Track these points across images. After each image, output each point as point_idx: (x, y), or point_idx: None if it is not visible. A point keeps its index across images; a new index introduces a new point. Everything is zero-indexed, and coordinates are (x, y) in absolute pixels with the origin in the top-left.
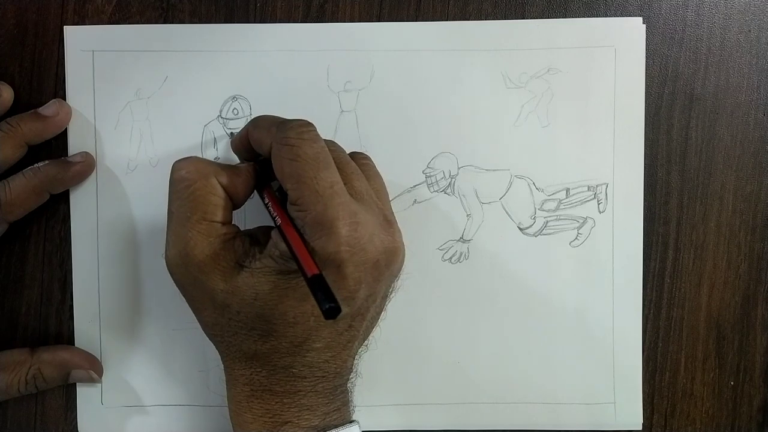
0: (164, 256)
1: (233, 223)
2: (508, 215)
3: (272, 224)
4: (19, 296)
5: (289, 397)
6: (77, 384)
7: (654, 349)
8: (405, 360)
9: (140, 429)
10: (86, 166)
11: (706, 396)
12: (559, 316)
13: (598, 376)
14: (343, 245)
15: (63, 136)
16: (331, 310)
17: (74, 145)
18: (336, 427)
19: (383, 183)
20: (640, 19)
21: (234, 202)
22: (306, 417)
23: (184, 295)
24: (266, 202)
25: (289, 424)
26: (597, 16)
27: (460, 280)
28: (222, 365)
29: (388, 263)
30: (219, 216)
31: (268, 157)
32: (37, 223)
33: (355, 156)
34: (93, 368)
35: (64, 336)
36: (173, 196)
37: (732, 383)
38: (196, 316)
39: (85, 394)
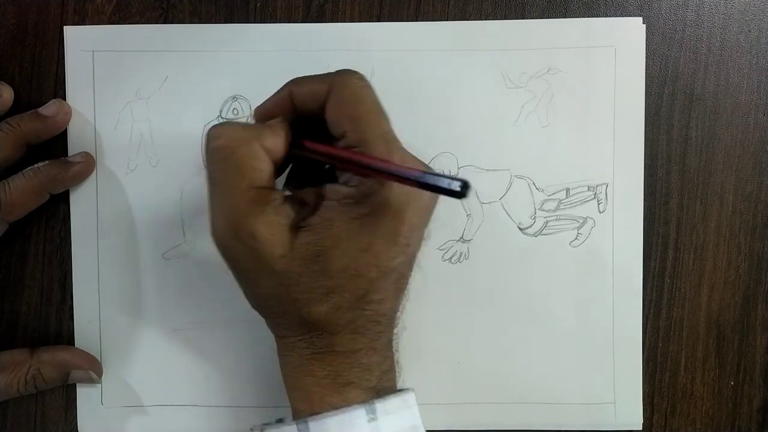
0: (210, 231)
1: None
2: (508, 215)
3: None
4: (19, 296)
5: (351, 356)
6: (77, 384)
7: (654, 349)
8: (405, 360)
9: (140, 429)
10: (86, 166)
11: (706, 396)
12: (559, 316)
13: (598, 376)
14: (406, 188)
15: (63, 136)
16: (463, 187)
17: (74, 145)
18: (390, 389)
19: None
20: (640, 19)
21: (275, 165)
22: (366, 378)
23: (234, 270)
24: (311, 149)
25: (352, 385)
26: (597, 16)
27: (460, 280)
28: (272, 336)
29: (431, 211)
30: (265, 181)
31: (317, 109)
32: (37, 223)
33: None
34: (93, 368)
35: (64, 336)
36: (215, 166)
37: (732, 383)
38: (248, 289)
39: (85, 394)
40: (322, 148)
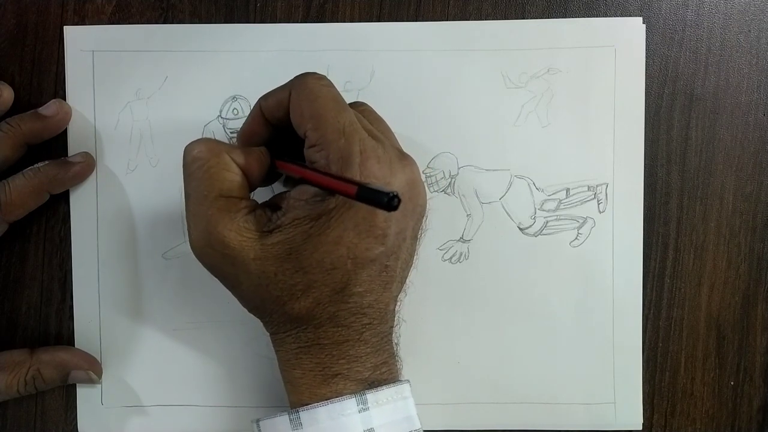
0: (188, 240)
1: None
2: (508, 215)
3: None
4: (19, 296)
5: (337, 348)
6: (77, 384)
7: (654, 349)
8: (405, 360)
9: (140, 429)
10: (86, 166)
11: (706, 396)
12: (559, 316)
13: (598, 376)
14: (370, 179)
15: (63, 136)
16: (390, 200)
17: (74, 145)
18: (386, 381)
19: (387, 124)
20: (640, 19)
21: (249, 181)
22: (356, 369)
23: (215, 276)
24: (282, 171)
25: (340, 376)
26: (597, 16)
27: (460, 280)
28: (266, 332)
29: (411, 196)
30: (236, 191)
31: (285, 117)
32: (37, 223)
33: (354, 105)
34: (92, 369)
35: (64, 336)
36: (188, 178)
37: (732, 383)
38: (233, 293)
39: (85, 394)
40: (289, 166)
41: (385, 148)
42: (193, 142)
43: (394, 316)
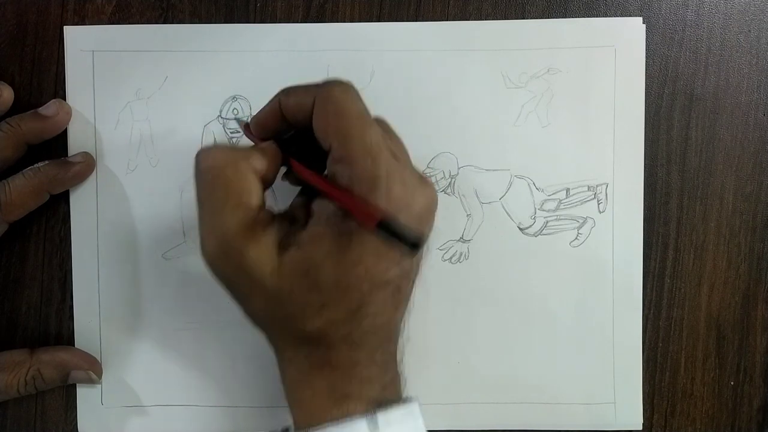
0: (200, 251)
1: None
2: (508, 215)
3: (301, 199)
4: (19, 296)
5: (349, 369)
6: (77, 384)
7: (654, 349)
8: (405, 360)
9: (140, 429)
10: (86, 166)
11: (706, 396)
12: (559, 316)
13: (598, 376)
14: (393, 201)
15: (63, 136)
16: (416, 241)
17: (74, 145)
18: (395, 401)
19: (403, 143)
20: (640, 19)
21: (264, 184)
22: (366, 390)
23: (227, 288)
24: (300, 177)
25: (352, 397)
26: (597, 16)
27: (460, 280)
28: (271, 349)
29: (427, 220)
30: (254, 201)
31: (306, 120)
32: (37, 223)
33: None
34: (92, 369)
35: (64, 336)
36: (203, 186)
37: (732, 383)
38: (242, 307)
39: (85, 394)
40: (305, 173)
41: (405, 169)
42: (206, 149)
43: (400, 336)
